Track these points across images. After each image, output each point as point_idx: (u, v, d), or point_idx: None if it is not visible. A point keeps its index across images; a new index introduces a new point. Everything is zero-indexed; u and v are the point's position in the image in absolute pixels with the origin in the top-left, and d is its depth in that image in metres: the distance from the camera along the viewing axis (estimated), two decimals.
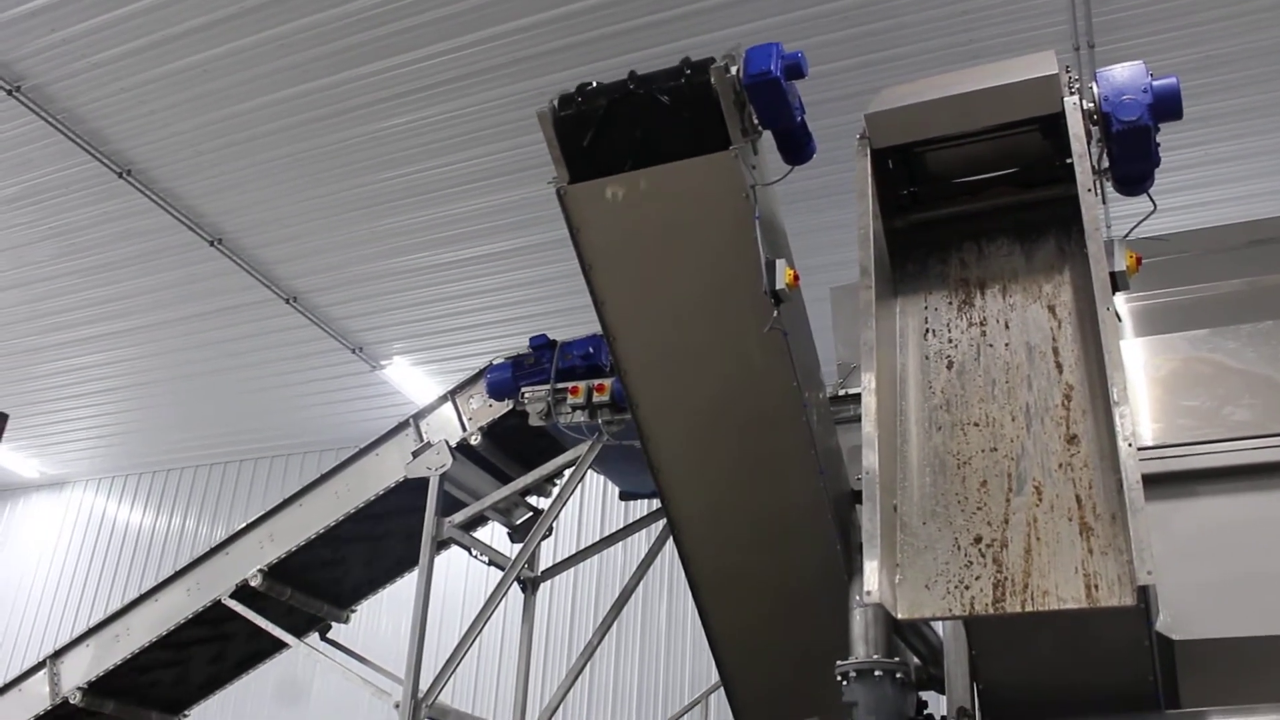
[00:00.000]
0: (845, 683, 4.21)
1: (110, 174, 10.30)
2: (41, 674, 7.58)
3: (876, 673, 4.18)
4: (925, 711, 4.48)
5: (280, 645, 7.67)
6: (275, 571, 7.15)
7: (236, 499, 16.30)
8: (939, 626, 4.97)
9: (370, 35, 8.74)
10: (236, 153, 10.10)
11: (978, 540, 3.55)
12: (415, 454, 6.71)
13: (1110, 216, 7.74)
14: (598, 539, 7.71)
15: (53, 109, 9.58)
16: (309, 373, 13.89)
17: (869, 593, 3.31)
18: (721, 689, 5.80)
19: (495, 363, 6.60)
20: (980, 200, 4.49)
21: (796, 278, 4.28)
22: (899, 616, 3.49)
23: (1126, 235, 4.16)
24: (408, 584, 7.24)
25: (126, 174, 10.32)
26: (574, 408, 6.16)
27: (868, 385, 3.72)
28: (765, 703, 5.56)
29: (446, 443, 6.66)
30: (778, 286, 4.19)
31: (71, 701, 7.43)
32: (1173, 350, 4.80)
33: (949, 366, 4.08)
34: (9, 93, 9.31)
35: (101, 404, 14.98)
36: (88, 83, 9.31)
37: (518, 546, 6.94)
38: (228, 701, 11.87)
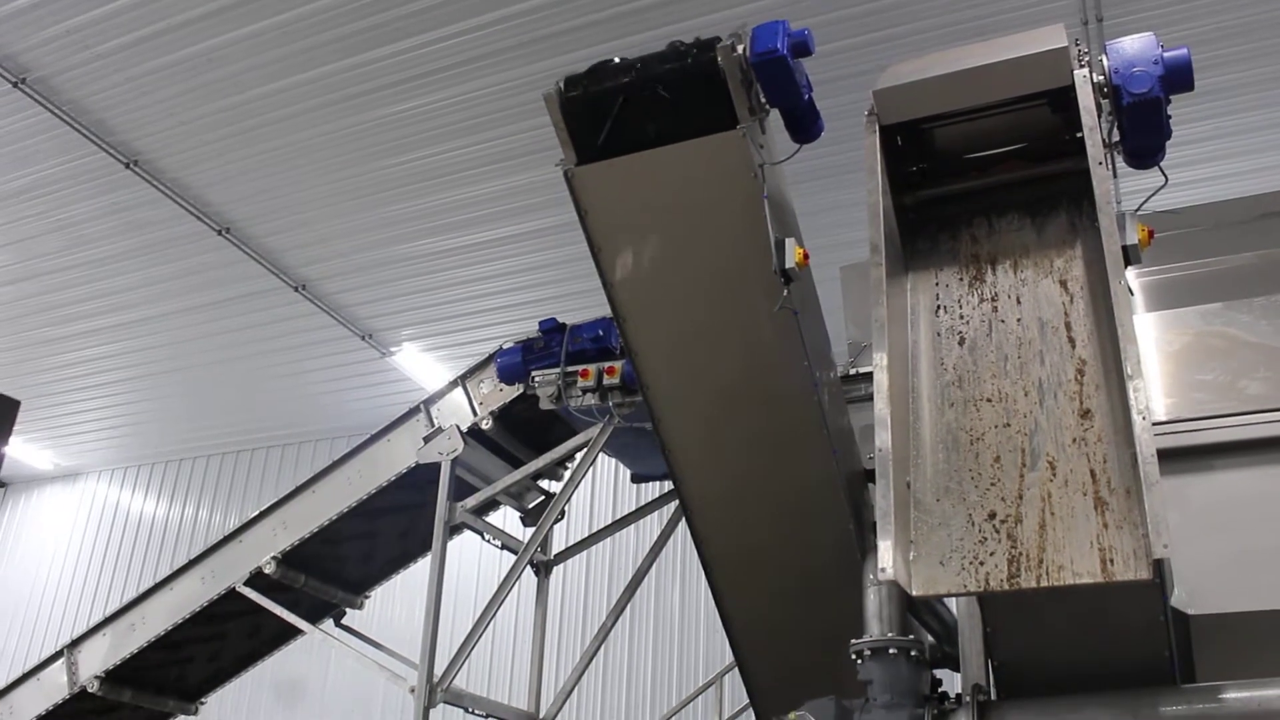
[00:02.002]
0: (860, 661, 4.21)
1: (117, 165, 10.31)
2: (59, 663, 7.63)
3: (891, 651, 4.17)
4: (940, 689, 4.47)
5: (295, 632, 7.69)
6: (289, 559, 7.17)
7: (249, 487, 16.36)
8: (953, 604, 4.97)
9: (375, 20, 8.72)
10: (242, 141, 10.10)
11: (992, 516, 3.54)
12: (426, 439, 6.71)
13: (1121, 190, 7.69)
14: (610, 522, 7.72)
15: (58, 100, 9.59)
16: (319, 360, 13.92)
17: (883, 570, 3.30)
18: (736, 670, 5.82)
19: (505, 347, 6.59)
20: (990, 176, 4.46)
21: (806, 256, 4.28)
22: (914, 594, 3.49)
23: (1138, 209, 4.11)
24: (421, 569, 7.26)
25: (133, 164, 10.33)
26: (585, 390, 6.16)
27: (879, 362, 3.71)
28: (780, 682, 5.56)
29: (457, 427, 6.66)
30: (787, 265, 4.19)
31: (89, 690, 7.47)
32: (1186, 324, 4.76)
33: (961, 343, 4.06)
34: (14, 85, 9.32)
35: (113, 395, 15.05)
36: (92, 73, 9.32)
37: (530, 530, 6.94)
38: (243, 687, 11.95)
